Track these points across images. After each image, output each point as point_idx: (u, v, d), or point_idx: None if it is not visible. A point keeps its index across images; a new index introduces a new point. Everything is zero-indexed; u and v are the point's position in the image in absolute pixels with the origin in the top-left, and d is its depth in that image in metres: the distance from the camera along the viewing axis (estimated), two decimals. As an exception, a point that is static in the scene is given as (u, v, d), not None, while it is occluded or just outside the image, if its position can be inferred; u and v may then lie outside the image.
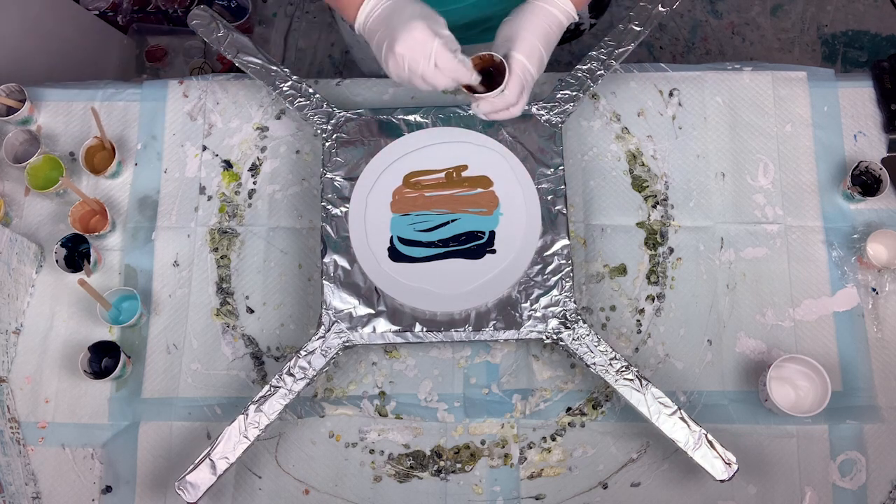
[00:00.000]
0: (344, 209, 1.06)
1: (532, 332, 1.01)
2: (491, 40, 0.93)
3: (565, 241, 1.04)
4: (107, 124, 1.17)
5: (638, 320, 1.08)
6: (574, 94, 1.10)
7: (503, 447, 1.04)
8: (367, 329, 1.02)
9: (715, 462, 0.94)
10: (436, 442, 1.05)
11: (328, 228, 1.06)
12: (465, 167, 1.07)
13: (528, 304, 1.02)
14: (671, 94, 1.17)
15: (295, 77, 1.12)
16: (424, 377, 1.07)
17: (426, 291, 1.02)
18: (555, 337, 1.01)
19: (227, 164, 1.16)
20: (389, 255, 1.04)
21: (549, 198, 1.06)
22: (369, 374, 1.07)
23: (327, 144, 1.09)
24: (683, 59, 1.97)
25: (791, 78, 1.17)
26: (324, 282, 1.03)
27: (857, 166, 1.08)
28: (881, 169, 1.08)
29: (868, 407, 1.04)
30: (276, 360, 1.08)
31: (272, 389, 0.99)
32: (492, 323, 1.02)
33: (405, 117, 1.10)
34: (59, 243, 1.08)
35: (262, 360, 1.08)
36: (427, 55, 0.82)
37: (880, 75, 1.16)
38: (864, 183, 1.10)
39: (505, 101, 0.88)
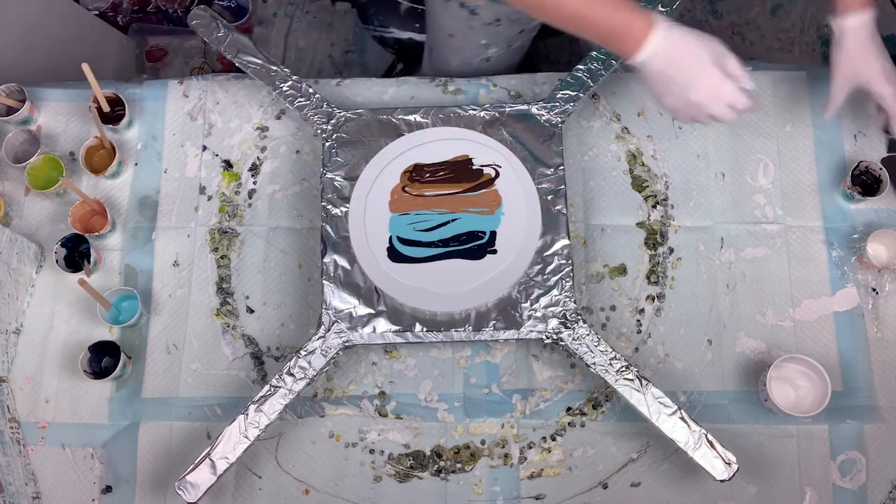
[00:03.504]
0: (344, 209, 1.06)
1: (532, 332, 1.01)
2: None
3: (565, 241, 1.04)
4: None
5: (638, 320, 1.08)
6: (574, 94, 1.10)
7: (503, 447, 1.04)
8: (367, 329, 1.02)
9: (715, 462, 0.94)
10: (436, 442, 1.05)
11: (328, 228, 1.05)
12: (468, 157, 1.07)
13: (528, 304, 1.02)
14: (671, 94, 1.17)
15: (295, 77, 1.12)
16: (424, 377, 1.07)
17: (426, 291, 1.02)
18: (555, 337, 1.00)
19: (227, 164, 1.16)
20: (389, 256, 1.04)
21: (549, 198, 1.06)
22: (369, 374, 1.07)
23: (327, 144, 1.09)
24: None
25: (791, 78, 1.17)
26: (324, 282, 1.03)
27: (857, 166, 1.08)
28: (881, 169, 1.08)
29: (868, 407, 1.04)
30: (276, 360, 1.08)
31: (272, 389, 0.99)
32: (492, 323, 1.02)
33: (405, 117, 1.10)
34: (59, 243, 1.08)
35: (262, 360, 1.08)
36: (722, 100, 0.86)
37: (880, 75, 1.16)
38: (864, 183, 1.10)
39: None
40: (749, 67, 1.17)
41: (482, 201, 1.06)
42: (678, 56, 0.85)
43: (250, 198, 1.15)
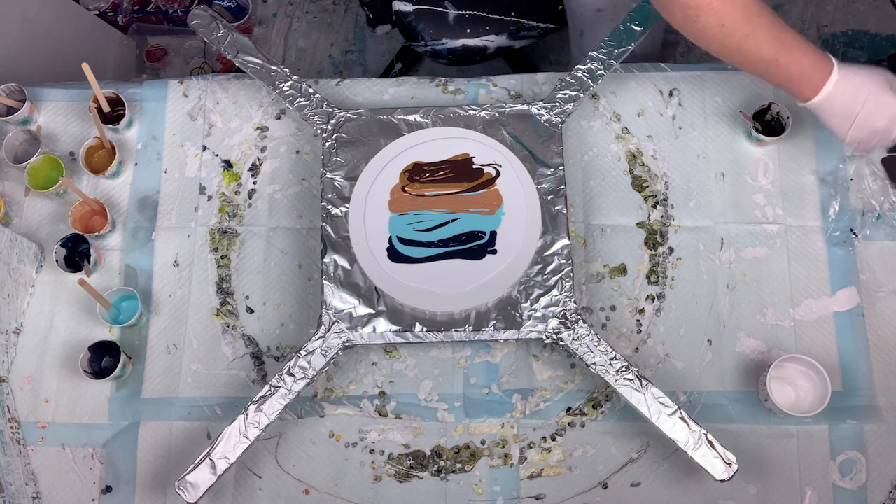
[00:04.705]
0: (344, 209, 1.06)
1: (532, 331, 1.01)
2: None
3: (565, 241, 1.04)
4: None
5: (638, 320, 1.08)
6: (574, 94, 1.10)
7: (503, 447, 1.04)
8: (367, 329, 1.02)
9: (715, 462, 0.94)
10: (436, 442, 1.05)
11: (328, 228, 1.06)
12: (468, 156, 1.07)
13: (528, 304, 1.02)
14: (671, 94, 1.17)
15: (295, 77, 1.12)
16: (424, 377, 1.07)
17: (426, 291, 1.02)
18: (555, 337, 1.01)
19: (227, 164, 1.16)
20: (389, 256, 1.04)
21: (549, 198, 1.06)
22: (369, 374, 1.07)
23: (327, 144, 1.09)
24: (683, 59, 1.97)
25: (791, 78, 1.17)
26: (324, 282, 1.03)
27: (769, 107, 1.10)
28: (788, 117, 1.09)
29: (868, 407, 1.04)
30: (276, 360, 1.08)
31: (272, 389, 0.99)
32: (492, 323, 1.02)
33: (405, 117, 1.10)
34: (59, 243, 1.08)
35: (262, 360, 1.08)
36: None
37: (880, 75, 1.16)
38: (769, 125, 1.11)
39: None
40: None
41: (482, 201, 1.06)
42: (856, 91, 0.91)
43: (250, 198, 1.15)
